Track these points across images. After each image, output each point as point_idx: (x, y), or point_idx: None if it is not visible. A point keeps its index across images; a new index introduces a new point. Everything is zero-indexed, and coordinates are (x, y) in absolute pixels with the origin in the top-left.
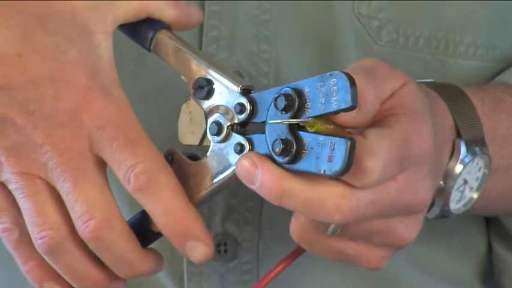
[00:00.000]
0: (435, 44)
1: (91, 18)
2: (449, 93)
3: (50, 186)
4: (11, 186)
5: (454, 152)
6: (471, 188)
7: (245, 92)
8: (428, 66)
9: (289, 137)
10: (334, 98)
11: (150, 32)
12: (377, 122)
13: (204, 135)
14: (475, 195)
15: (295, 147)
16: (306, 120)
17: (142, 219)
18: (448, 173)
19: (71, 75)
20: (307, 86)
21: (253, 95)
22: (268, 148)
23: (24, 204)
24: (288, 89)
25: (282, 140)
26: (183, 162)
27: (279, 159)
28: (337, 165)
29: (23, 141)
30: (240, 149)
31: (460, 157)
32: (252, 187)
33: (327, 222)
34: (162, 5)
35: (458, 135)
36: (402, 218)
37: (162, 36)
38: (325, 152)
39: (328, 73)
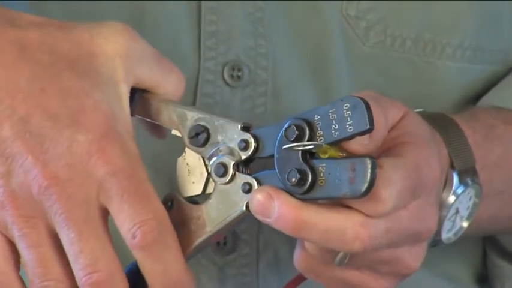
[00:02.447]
0: (422, 46)
1: (120, 67)
2: (441, 123)
3: (53, 233)
4: (12, 234)
5: (447, 182)
6: (462, 217)
7: (246, 129)
8: (416, 68)
9: (304, 166)
10: (349, 123)
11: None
12: (386, 151)
13: (207, 182)
14: (465, 224)
15: (310, 175)
16: (319, 144)
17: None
18: (441, 203)
19: (91, 118)
20: (317, 115)
21: (256, 130)
22: (280, 181)
23: (27, 255)
24: (297, 119)
25: (297, 169)
26: (184, 206)
27: (294, 189)
28: (360, 184)
29: (29, 182)
30: (248, 188)
31: (453, 188)
32: (268, 221)
33: (336, 251)
34: (175, 85)
35: (451, 165)
36: (409, 246)
37: (146, 95)
38: (345, 175)
39: (339, 99)
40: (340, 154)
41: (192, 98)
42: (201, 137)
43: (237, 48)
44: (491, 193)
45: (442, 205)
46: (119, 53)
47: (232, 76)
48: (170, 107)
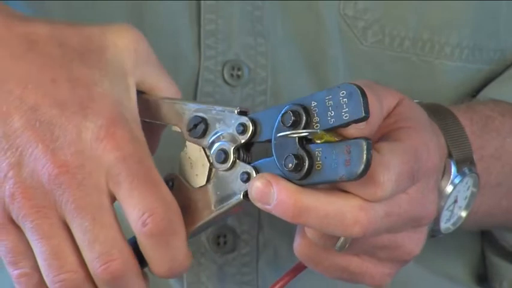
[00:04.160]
0: (420, 45)
1: (129, 60)
2: (438, 113)
3: (65, 224)
4: (25, 226)
5: (444, 172)
6: (460, 207)
7: (243, 113)
8: (414, 67)
9: (301, 152)
10: (344, 110)
11: None
12: (384, 135)
13: (209, 172)
14: (464, 214)
15: (307, 160)
16: (314, 131)
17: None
18: (439, 192)
19: (99, 105)
20: (314, 101)
21: (254, 114)
22: (279, 168)
23: (40, 247)
24: (294, 105)
25: (294, 155)
26: (184, 188)
27: (292, 175)
28: (356, 167)
29: (39, 171)
30: (247, 177)
31: (451, 178)
32: (267, 207)
33: (336, 237)
34: (171, 89)
35: (449, 154)
36: (409, 231)
37: (143, 95)
38: (341, 158)
39: (336, 86)
40: (336, 139)
41: (192, 97)
42: (199, 128)
43: (236, 47)
44: (489, 185)
45: (440, 195)
46: (129, 48)
47: (232, 75)
48: (167, 104)
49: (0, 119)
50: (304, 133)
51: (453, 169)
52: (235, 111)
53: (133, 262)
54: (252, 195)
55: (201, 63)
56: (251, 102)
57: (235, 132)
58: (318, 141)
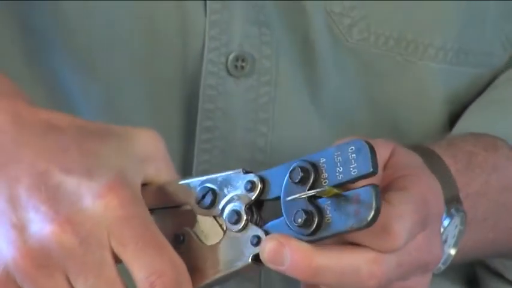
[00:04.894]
0: (404, 45)
1: (146, 150)
2: (422, 154)
3: (69, 282)
4: (24, 285)
5: None
6: (449, 245)
7: (248, 172)
8: (400, 67)
9: (310, 207)
10: (352, 166)
11: None
12: (387, 186)
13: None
14: (453, 252)
15: (317, 215)
16: (323, 189)
17: None
18: None
19: (105, 170)
20: (323, 157)
21: (261, 172)
22: (289, 227)
23: None
24: (302, 161)
25: (303, 210)
26: (194, 243)
27: (302, 231)
28: (366, 213)
29: (43, 232)
30: (257, 241)
31: None
32: (280, 269)
33: None
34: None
35: None
36: (417, 277)
37: (146, 186)
38: (351, 208)
39: (345, 142)
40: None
41: (195, 90)
42: (207, 198)
43: (240, 38)
44: (475, 221)
45: None
46: (148, 142)
47: (236, 67)
48: (172, 185)
49: (8, 183)
50: (312, 193)
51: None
52: (241, 172)
53: None
54: (264, 257)
55: (205, 55)
56: (255, 93)
57: (244, 191)
58: (327, 196)
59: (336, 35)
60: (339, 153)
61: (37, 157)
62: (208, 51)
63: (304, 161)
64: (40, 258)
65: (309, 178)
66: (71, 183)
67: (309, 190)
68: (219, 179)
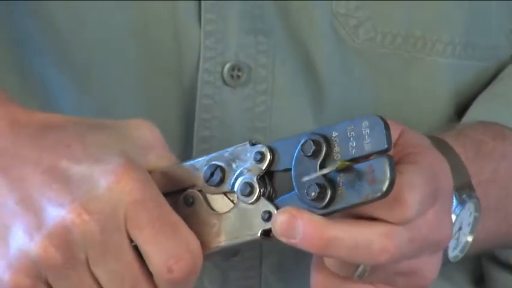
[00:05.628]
0: (412, 42)
1: (144, 140)
2: (432, 142)
3: (90, 269)
4: (51, 279)
5: None
6: (465, 234)
7: (255, 144)
8: (407, 64)
9: (322, 180)
10: (366, 142)
11: None
12: (398, 161)
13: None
14: (470, 239)
15: (329, 188)
16: (337, 165)
17: None
18: None
19: (113, 157)
20: (335, 131)
21: (269, 143)
22: (301, 200)
23: None
24: (315, 134)
25: (316, 184)
26: (203, 208)
27: (315, 204)
28: (381, 183)
29: (61, 225)
30: (268, 216)
31: (452, 208)
32: (292, 242)
33: (356, 266)
34: None
35: None
36: (428, 256)
37: (154, 171)
38: (364, 180)
39: (359, 117)
40: None
41: (192, 99)
42: (216, 175)
43: (236, 47)
44: (487, 209)
45: None
46: (144, 134)
47: (232, 76)
48: (178, 168)
49: (15, 185)
50: (327, 171)
51: (454, 199)
52: (248, 144)
53: None
54: (276, 230)
55: (200, 65)
56: (252, 102)
57: (253, 163)
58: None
59: (342, 36)
60: (352, 127)
61: (41, 155)
62: (203, 60)
63: (316, 134)
64: (64, 251)
65: (320, 151)
66: (81, 171)
67: (321, 163)
68: (226, 154)
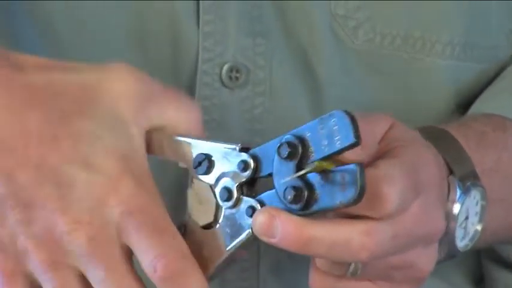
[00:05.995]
0: (412, 43)
1: (128, 109)
2: (432, 134)
3: (79, 275)
4: (38, 278)
5: (449, 191)
6: (473, 223)
7: (244, 149)
8: (406, 65)
9: (298, 183)
10: (337, 138)
11: None
12: (380, 157)
13: (217, 209)
14: (479, 227)
15: (306, 192)
16: (313, 166)
17: None
18: (447, 214)
19: (104, 161)
20: (308, 131)
21: (254, 150)
22: (281, 201)
23: None
24: (289, 136)
25: (292, 187)
26: (196, 232)
27: (293, 207)
28: (351, 192)
29: (50, 227)
30: (252, 212)
31: (456, 196)
32: (273, 241)
33: (348, 264)
34: (188, 127)
35: (450, 172)
36: (421, 249)
37: (155, 133)
38: (337, 184)
39: (327, 114)
40: (334, 165)
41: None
42: (203, 165)
43: (234, 49)
44: (492, 200)
45: (448, 216)
46: (126, 96)
47: (230, 78)
48: (172, 142)
49: (6, 177)
50: (302, 173)
51: (457, 186)
52: (237, 149)
53: None
54: (256, 230)
55: (199, 66)
56: (250, 104)
57: (237, 170)
58: (317, 170)
59: (341, 37)
60: (322, 125)
61: (27, 147)
62: (202, 62)
63: (292, 135)
64: (48, 253)
65: (296, 153)
66: (72, 174)
67: (297, 164)
68: (216, 147)
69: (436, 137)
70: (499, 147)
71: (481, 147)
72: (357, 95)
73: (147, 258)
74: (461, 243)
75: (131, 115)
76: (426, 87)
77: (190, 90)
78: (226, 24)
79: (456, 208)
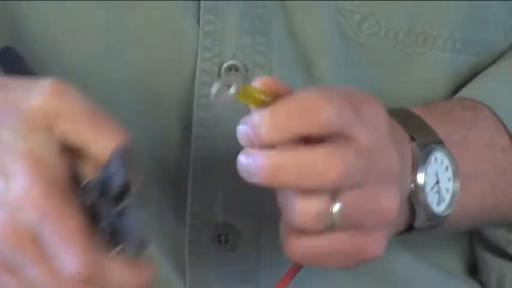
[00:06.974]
0: (414, 37)
1: (42, 120)
2: (394, 111)
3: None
4: None
5: (413, 163)
6: (447, 189)
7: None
8: (409, 59)
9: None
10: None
11: None
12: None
13: None
14: (454, 190)
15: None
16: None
17: None
18: (416, 186)
19: (19, 167)
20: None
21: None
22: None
23: None
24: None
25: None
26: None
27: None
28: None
29: None
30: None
31: (417, 161)
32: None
33: (326, 217)
34: (105, 146)
35: (411, 139)
36: (382, 186)
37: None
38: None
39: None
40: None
41: (190, 99)
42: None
43: (234, 48)
44: (466, 176)
45: (417, 188)
46: (41, 108)
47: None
48: None
49: None
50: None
51: (417, 151)
52: None
53: None
54: (241, 172)
55: (198, 65)
56: None
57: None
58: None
59: (346, 31)
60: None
61: None
62: (201, 61)
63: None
64: None
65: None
66: None
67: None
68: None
69: (398, 113)
70: (466, 125)
71: (447, 124)
72: (359, 86)
73: (64, 263)
74: (439, 208)
75: (44, 125)
76: (427, 80)
77: (190, 88)
78: (226, 24)
79: (420, 177)
